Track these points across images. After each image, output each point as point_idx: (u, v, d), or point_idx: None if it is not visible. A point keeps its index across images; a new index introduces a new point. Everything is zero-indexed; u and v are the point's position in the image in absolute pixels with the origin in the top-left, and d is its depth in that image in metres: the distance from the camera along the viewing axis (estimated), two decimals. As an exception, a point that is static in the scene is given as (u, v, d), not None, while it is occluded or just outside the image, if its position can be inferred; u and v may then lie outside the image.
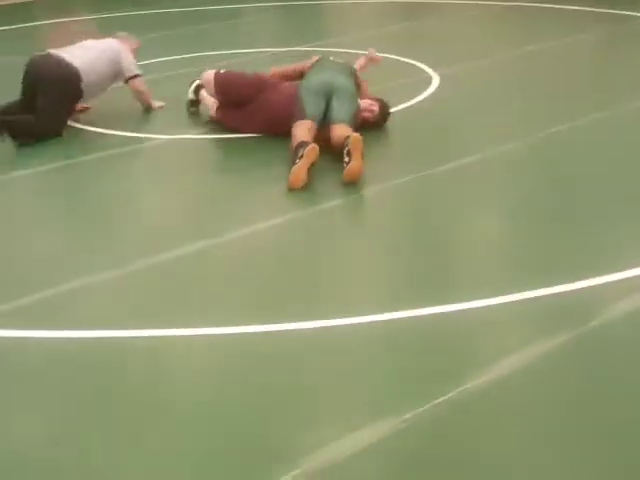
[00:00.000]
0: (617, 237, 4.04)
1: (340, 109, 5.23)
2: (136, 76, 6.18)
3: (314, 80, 5.42)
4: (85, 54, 5.98)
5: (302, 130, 5.10)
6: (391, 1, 10.70)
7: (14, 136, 5.69)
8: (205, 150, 5.65)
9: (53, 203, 4.96)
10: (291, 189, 4.72)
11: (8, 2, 11.80)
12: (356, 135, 4.84)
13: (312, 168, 4.78)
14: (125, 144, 5.70)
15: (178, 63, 7.66)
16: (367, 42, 7.91)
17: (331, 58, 5.80)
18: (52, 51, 6.00)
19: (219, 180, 5.15)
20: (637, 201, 4.44)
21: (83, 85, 5.89)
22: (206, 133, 5.82)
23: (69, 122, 5.99)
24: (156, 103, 6.35)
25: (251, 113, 5.60)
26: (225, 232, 4.24)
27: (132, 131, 5.88)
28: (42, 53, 6.04)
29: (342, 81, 5.40)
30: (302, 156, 4.75)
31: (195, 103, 6.15)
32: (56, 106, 5.82)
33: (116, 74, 6.11)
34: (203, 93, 6.03)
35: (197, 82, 6.11)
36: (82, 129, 5.98)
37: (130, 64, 6.14)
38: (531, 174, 4.91)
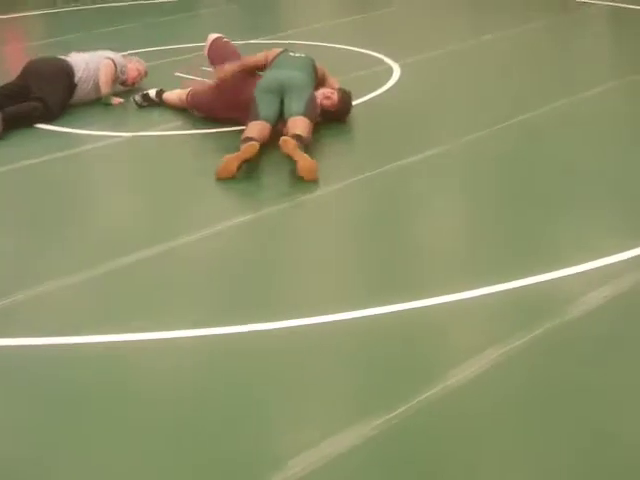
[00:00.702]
0: (586, 225, 4.10)
1: (291, 103, 5.21)
2: (110, 59, 6.25)
3: (269, 79, 5.39)
4: (80, 55, 6.28)
5: (252, 127, 5.10)
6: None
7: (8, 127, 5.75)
8: (167, 147, 5.58)
9: (11, 205, 4.85)
10: (217, 179, 4.78)
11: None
12: (283, 138, 4.87)
13: (255, 164, 4.85)
14: (87, 142, 5.63)
15: (156, 55, 7.53)
16: (325, 33, 7.95)
17: (291, 53, 5.73)
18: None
19: (181, 178, 5.07)
20: (602, 186, 4.51)
21: (76, 79, 6.10)
22: (170, 129, 5.76)
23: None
24: (116, 99, 6.28)
25: (222, 95, 5.64)
26: (187, 233, 4.20)
27: (95, 129, 5.81)
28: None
29: (296, 77, 5.36)
30: (239, 149, 4.82)
31: (148, 100, 6.13)
32: (56, 92, 6.00)
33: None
34: (167, 95, 6.05)
35: (159, 89, 6.13)
36: (42, 128, 5.88)
37: (114, 55, 6.34)
38: (497, 164, 4.96)
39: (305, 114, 5.14)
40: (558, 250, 3.88)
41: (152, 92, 6.14)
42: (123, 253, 4.01)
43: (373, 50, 7.21)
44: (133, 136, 5.66)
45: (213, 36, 6.15)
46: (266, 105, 5.23)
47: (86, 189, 5.04)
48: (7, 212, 4.76)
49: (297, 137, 4.93)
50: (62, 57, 6.23)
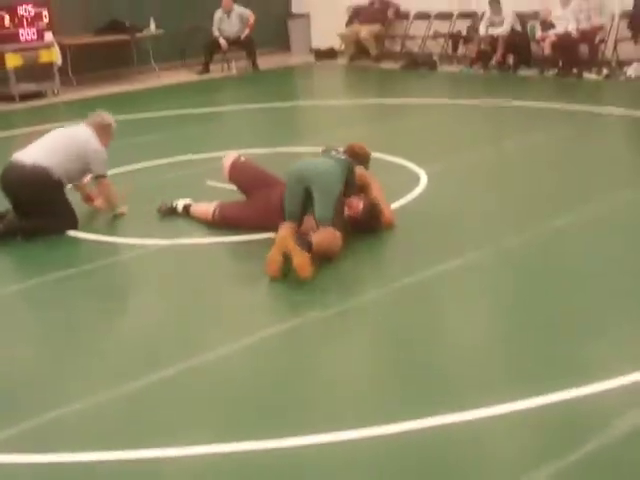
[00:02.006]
0: (618, 340, 4.02)
1: (319, 205, 5.16)
2: (103, 176, 6.08)
3: (291, 170, 5.37)
4: (51, 154, 5.89)
5: (282, 231, 5.13)
6: (369, 103, 10.93)
7: (27, 238, 5.82)
8: (200, 255, 5.60)
9: (41, 318, 4.85)
10: (269, 276, 4.87)
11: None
12: (279, 235, 4.99)
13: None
14: (121, 251, 5.67)
15: (161, 168, 7.69)
16: (351, 140, 8.05)
17: (333, 153, 5.60)
18: (18, 157, 5.96)
19: (216, 287, 5.07)
20: (629, 299, 4.46)
21: (57, 178, 5.89)
22: (202, 237, 5.80)
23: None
24: (120, 208, 6.25)
25: (251, 204, 5.68)
26: (222, 344, 4.18)
27: (127, 237, 5.85)
28: (10, 163, 5.99)
29: (321, 170, 5.24)
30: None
31: (173, 211, 6.18)
32: (54, 206, 5.91)
33: (85, 170, 6.08)
34: (194, 208, 6.08)
35: (187, 202, 6.16)
36: (74, 236, 5.94)
37: (98, 162, 6.01)
38: (530, 272, 4.94)
39: (326, 221, 5.12)
40: (596, 363, 3.83)
41: (180, 206, 6.18)
42: (158, 366, 3.99)
43: (399, 157, 7.32)
44: (166, 245, 5.69)
45: (229, 159, 6.02)
46: (290, 204, 5.26)
47: (121, 299, 5.07)
48: (42, 324, 4.77)
49: (307, 244, 4.94)
50: (35, 164, 5.83)
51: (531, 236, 5.42)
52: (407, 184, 6.57)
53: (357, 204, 5.53)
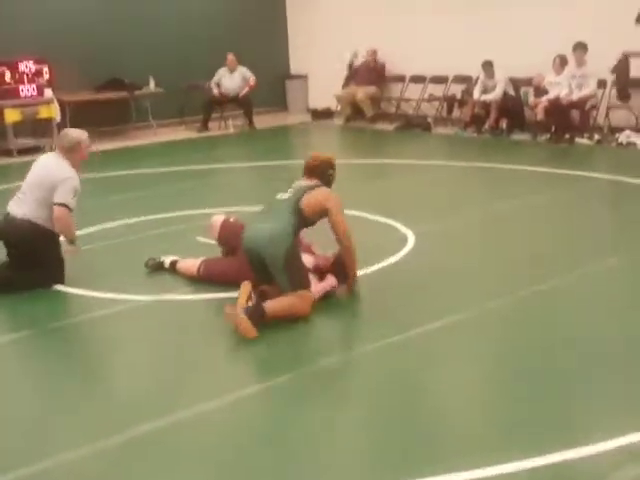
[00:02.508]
0: (605, 400, 4.03)
1: (274, 276, 5.22)
2: (60, 205, 5.86)
3: (243, 240, 5.35)
4: (33, 203, 5.88)
5: (240, 290, 5.18)
6: (358, 163, 11.04)
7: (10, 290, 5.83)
8: (185, 312, 5.61)
9: (30, 370, 4.87)
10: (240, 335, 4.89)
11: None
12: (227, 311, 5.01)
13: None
14: (106, 305, 5.67)
15: (154, 223, 7.76)
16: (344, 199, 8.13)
17: (279, 195, 5.50)
18: (9, 208, 6.03)
19: (199, 344, 5.06)
20: (618, 361, 4.48)
21: (43, 226, 5.89)
22: (187, 294, 5.83)
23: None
24: (68, 247, 6.11)
25: (238, 260, 5.67)
26: (195, 403, 4.17)
27: (112, 292, 5.86)
28: (4, 215, 6.06)
29: (264, 240, 5.17)
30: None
31: (160, 266, 6.22)
32: (43, 257, 5.94)
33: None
34: (181, 264, 6.12)
35: (174, 259, 6.21)
36: (60, 290, 5.97)
37: (62, 190, 5.84)
38: (512, 334, 4.94)
39: (291, 288, 5.15)
40: (587, 424, 3.82)
41: (167, 262, 6.23)
42: (137, 422, 3.98)
43: (387, 218, 7.38)
44: (151, 300, 5.72)
45: (219, 219, 6.07)
46: (253, 268, 5.31)
47: (104, 354, 5.06)
48: (24, 377, 4.77)
49: (259, 311, 5.00)
50: (21, 217, 5.89)
51: (515, 299, 5.43)
52: (394, 244, 6.61)
53: (325, 262, 5.59)
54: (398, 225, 7.19)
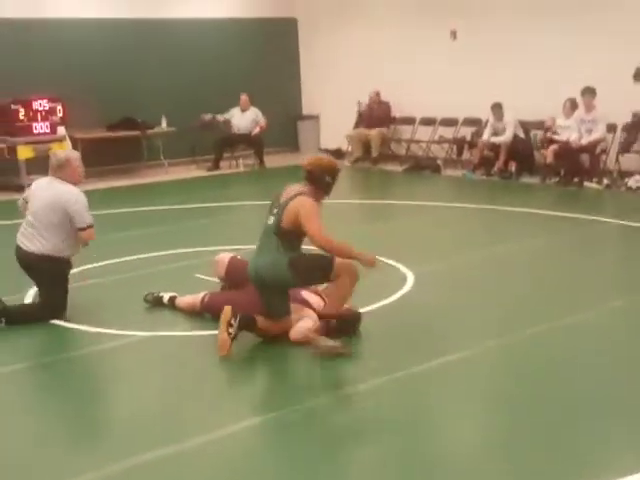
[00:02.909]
0: (604, 444, 4.02)
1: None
2: (89, 227, 6.04)
3: (250, 277, 5.46)
4: (42, 232, 5.98)
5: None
6: (364, 203, 11.09)
7: (10, 322, 5.91)
8: (181, 347, 5.63)
9: (26, 402, 4.90)
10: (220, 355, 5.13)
11: None
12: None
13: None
14: (102, 341, 5.70)
15: (158, 259, 7.81)
16: (347, 239, 8.18)
17: (269, 221, 5.43)
18: (18, 239, 6.14)
19: (195, 378, 5.10)
20: (620, 406, 4.45)
21: (49, 255, 6.00)
22: (184, 330, 5.86)
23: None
24: None
25: (243, 292, 5.74)
26: (198, 434, 4.20)
27: (108, 327, 5.89)
28: (18, 246, 6.17)
29: (261, 273, 5.29)
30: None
31: (159, 301, 6.28)
32: (50, 293, 6.03)
33: (71, 224, 6.03)
34: (180, 299, 6.18)
35: (173, 295, 6.27)
36: (56, 324, 6.01)
37: (79, 215, 5.97)
38: (509, 376, 4.94)
39: (286, 316, 5.38)
40: (600, 462, 3.84)
41: (166, 297, 6.27)
42: (138, 451, 4.05)
43: (388, 258, 7.37)
44: (149, 336, 5.74)
45: (227, 256, 6.18)
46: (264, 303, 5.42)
47: (102, 387, 5.12)
48: (24, 407, 4.81)
49: (247, 320, 5.26)
50: (32, 250, 6.01)
51: (513, 339, 5.44)
52: (393, 285, 6.63)
53: (318, 305, 5.63)
54: (399, 265, 7.20)
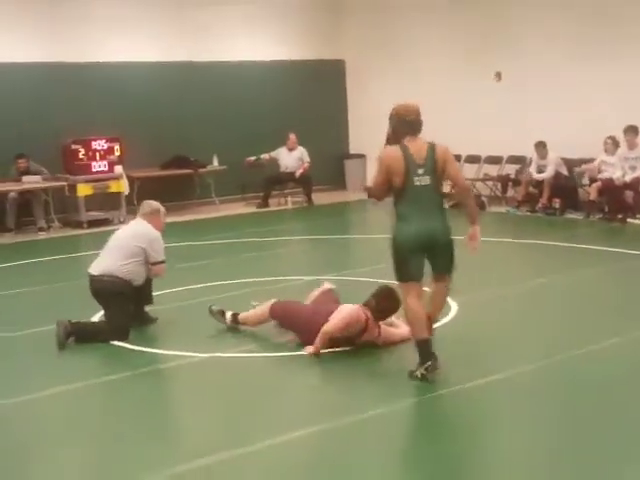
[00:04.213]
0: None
1: None
2: (162, 262, 6.76)
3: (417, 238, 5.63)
4: (114, 259, 6.60)
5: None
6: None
7: (80, 340, 6.41)
8: (242, 369, 6.00)
9: (87, 420, 5.24)
10: None
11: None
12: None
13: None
14: (164, 361, 6.11)
15: (214, 289, 8.17)
16: (385, 272, 8.49)
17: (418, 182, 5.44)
18: (90, 269, 6.71)
19: (256, 396, 5.44)
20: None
21: (122, 280, 6.56)
22: (245, 352, 6.24)
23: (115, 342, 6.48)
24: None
25: (311, 307, 6.40)
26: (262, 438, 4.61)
27: (169, 349, 6.29)
28: (89, 275, 6.70)
29: (443, 231, 5.64)
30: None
31: (222, 315, 6.73)
32: (117, 315, 6.53)
33: (145, 260, 6.70)
34: (244, 314, 6.62)
35: (235, 312, 6.71)
36: (119, 345, 6.41)
37: (155, 251, 6.69)
38: (548, 398, 5.19)
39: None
40: None
41: (228, 314, 6.68)
42: (204, 454, 4.44)
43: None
44: (208, 357, 6.11)
45: (327, 286, 6.75)
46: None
47: (167, 401, 5.54)
48: (85, 424, 5.16)
49: None
50: (109, 275, 6.56)
51: (551, 363, 5.71)
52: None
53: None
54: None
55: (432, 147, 5.45)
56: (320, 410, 5.15)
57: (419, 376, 5.33)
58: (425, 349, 5.40)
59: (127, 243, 6.69)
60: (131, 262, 6.60)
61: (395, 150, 5.44)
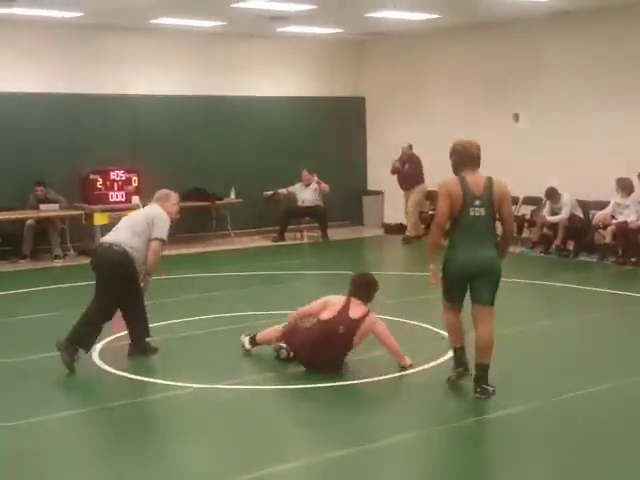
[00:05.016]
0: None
1: None
2: (158, 239, 6.82)
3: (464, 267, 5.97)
4: (124, 231, 6.84)
5: None
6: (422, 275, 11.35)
7: (84, 345, 6.59)
8: (245, 399, 6.04)
9: (84, 446, 5.28)
10: None
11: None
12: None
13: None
14: (162, 391, 6.13)
15: (223, 320, 8.26)
16: (400, 308, 8.50)
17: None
18: (102, 240, 7.02)
19: (257, 421, 5.48)
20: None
21: (130, 255, 6.73)
22: (251, 383, 6.30)
23: (112, 370, 6.54)
24: (146, 277, 6.93)
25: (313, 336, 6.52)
26: (269, 465, 4.66)
27: (169, 379, 6.32)
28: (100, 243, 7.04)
29: (492, 261, 5.89)
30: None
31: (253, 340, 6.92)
32: (106, 294, 6.73)
33: (148, 236, 6.84)
34: (261, 334, 6.83)
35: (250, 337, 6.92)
36: (122, 376, 6.47)
37: (158, 226, 6.82)
38: (556, 436, 5.22)
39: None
40: None
41: (246, 342, 6.89)
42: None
43: (439, 328, 7.66)
44: (209, 387, 6.14)
45: (279, 330, 6.83)
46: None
47: (163, 433, 5.56)
48: (83, 451, 5.20)
49: None
50: (116, 247, 6.73)
51: (557, 403, 5.77)
52: (437, 350, 6.96)
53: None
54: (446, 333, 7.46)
55: (490, 181, 5.75)
56: (332, 439, 5.24)
57: (451, 379, 6.02)
58: (457, 356, 6.04)
59: (139, 220, 6.92)
60: (139, 238, 6.77)
61: (454, 181, 5.77)
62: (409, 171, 14.63)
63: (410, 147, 14.77)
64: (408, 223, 14.71)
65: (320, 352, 6.33)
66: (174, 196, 7.17)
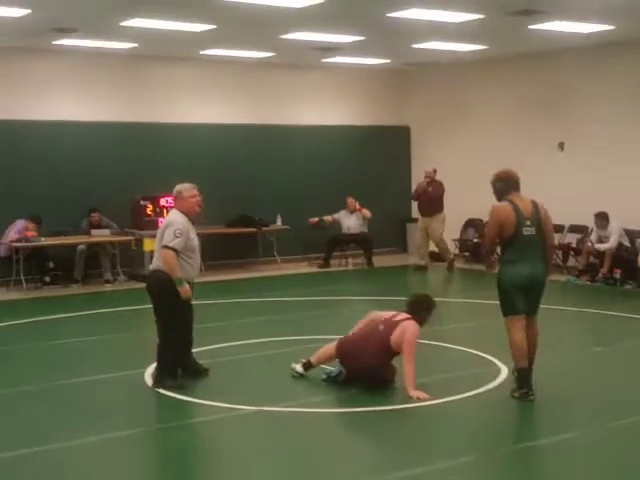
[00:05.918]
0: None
1: None
2: (165, 247, 6.67)
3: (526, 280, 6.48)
4: (157, 255, 6.83)
5: None
6: (471, 302, 11.40)
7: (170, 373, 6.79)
8: (295, 423, 6.14)
9: (135, 467, 5.41)
10: None
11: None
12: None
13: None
14: (213, 413, 6.26)
15: (270, 345, 8.41)
16: (444, 334, 8.56)
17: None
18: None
19: (298, 446, 5.59)
20: None
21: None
22: (301, 406, 6.37)
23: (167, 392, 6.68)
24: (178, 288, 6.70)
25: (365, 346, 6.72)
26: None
27: (220, 401, 6.44)
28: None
29: (543, 276, 6.47)
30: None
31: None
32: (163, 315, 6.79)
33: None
34: (315, 358, 6.98)
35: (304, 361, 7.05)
36: (172, 397, 6.60)
37: (168, 236, 6.67)
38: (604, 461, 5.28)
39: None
40: None
41: (299, 368, 7.01)
42: None
43: (486, 353, 7.72)
44: (258, 410, 6.25)
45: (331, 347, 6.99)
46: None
47: (217, 455, 5.64)
48: (133, 472, 5.36)
49: None
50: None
51: (606, 430, 5.81)
52: (486, 376, 7.02)
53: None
54: (495, 360, 7.53)
55: (535, 204, 6.44)
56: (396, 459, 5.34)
57: (516, 396, 6.31)
58: (523, 377, 6.32)
59: (159, 236, 6.83)
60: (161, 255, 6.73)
61: (506, 205, 6.39)
62: (433, 194, 14.65)
63: (434, 171, 14.84)
64: (441, 251, 14.78)
65: (361, 353, 6.56)
66: (187, 189, 6.89)
